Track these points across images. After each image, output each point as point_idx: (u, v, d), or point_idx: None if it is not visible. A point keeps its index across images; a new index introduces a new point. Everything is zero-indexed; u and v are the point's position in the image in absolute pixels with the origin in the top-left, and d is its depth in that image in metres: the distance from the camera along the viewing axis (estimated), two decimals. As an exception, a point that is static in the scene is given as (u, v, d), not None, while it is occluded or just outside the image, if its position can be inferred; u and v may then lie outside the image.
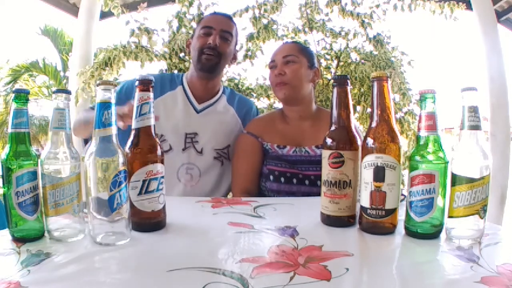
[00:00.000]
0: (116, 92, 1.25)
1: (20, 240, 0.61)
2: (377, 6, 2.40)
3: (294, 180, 1.13)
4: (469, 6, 2.82)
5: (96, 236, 0.61)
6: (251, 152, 1.20)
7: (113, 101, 0.62)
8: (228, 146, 1.28)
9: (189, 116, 1.26)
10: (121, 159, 0.62)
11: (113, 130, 0.62)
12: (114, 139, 0.62)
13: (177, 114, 1.25)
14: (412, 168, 0.65)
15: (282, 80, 1.18)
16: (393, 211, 0.67)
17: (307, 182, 1.13)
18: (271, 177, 1.14)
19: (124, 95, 1.21)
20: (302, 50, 1.24)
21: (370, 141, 0.68)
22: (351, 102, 0.76)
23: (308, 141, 1.18)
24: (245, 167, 1.20)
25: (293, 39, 2.40)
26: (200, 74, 1.26)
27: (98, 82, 0.62)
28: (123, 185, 0.62)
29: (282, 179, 1.13)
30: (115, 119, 0.63)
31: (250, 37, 2.34)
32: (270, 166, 1.16)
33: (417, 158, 0.64)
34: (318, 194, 0.76)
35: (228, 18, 1.31)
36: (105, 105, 0.61)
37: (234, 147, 1.26)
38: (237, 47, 1.37)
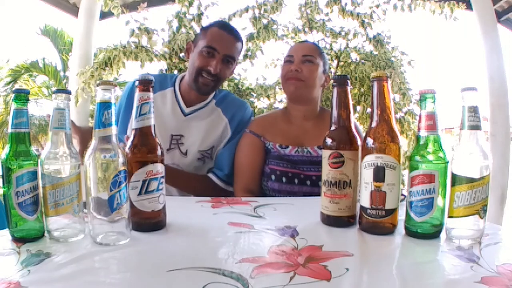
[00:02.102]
0: (128, 92, 1.25)
1: (20, 240, 0.61)
2: (377, 6, 2.40)
3: (296, 180, 1.13)
4: (469, 6, 2.82)
5: (96, 236, 0.61)
6: (253, 151, 1.20)
7: (113, 101, 0.62)
8: (212, 147, 1.28)
9: (176, 119, 1.25)
10: (121, 159, 0.62)
11: (113, 130, 0.62)
12: (114, 139, 0.62)
13: (165, 115, 1.25)
14: (412, 168, 0.65)
15: (298, 77, 1.18)
16: (393, 211, 0.67)
17: (308, 182, 1.13)
18: (273, 177, 1.15)
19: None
20: (321, 53, 1.24)
21: (370, 141, 0.68)
22: (351, 102, 0.76)
23: (311, 141, 1.19)
24: (247, 166, 1.20)
25: (293, 39, 2.40)
26: (196, 93, 1.25)
27: (98, 82, 0.62)
28: (123, 185, 0.62)
29: (284, 179, 1.13)
30: (115, 119, 0.63)
31: (250, 37, 2.34)
32: (272, 165, 1.16)
33: (417, 158, 0.64)
34: (319, 195, 0.76)
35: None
36: (105, 105, 0.61)
37: (236, 146, 1.25)
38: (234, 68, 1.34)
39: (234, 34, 1.25)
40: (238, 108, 1.33)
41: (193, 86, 1.23)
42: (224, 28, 1.26)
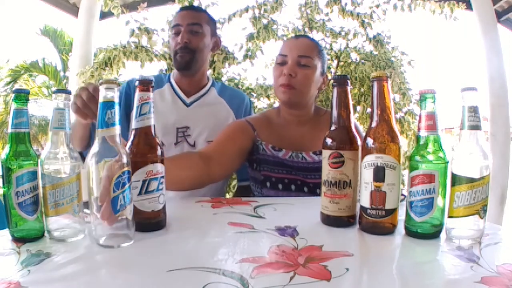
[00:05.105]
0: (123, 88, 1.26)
1: (20, 240, 0.61)
2: (377, 6, 2.40)
3: (293, 187, 1.07)
4: (469, 6, 2.82)
5: (99, 238, 0.60)
6: (240, 135, 1.08)
7: (116, 100, 0.61)
8: None
9: (179, 110, 1.25)
10: (124, 160, 0.61)
11: (117, 130, 0.61)
12: (118, 139, 0.61)
13: (166, 109, 1.25)
14: (412, 168, 0.65)
15: (290, 83, 1.04)
16: (393, 211, 0.67)
17: (306, 189, 1.07)
18: (268, 184, 1.07)
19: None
20: (320, 52, 1.09)
21: (370, 141, 0.68)
22: (351, 102, 0.76)
23: (306, 147, 1.09)
24: (223, 143, 1.06)
25: (293, 39, 2.39)
26: (181, 72, 1.27)
27: (101, 81, 0.61)
28: (126, 186, 0.60)
29: (280, 186, 1.06)
30: (118, 119, 0.61)
31: (250, 37, 2.34)
32: (266, 172, 1.07)
33: (417, 158, 0.64)
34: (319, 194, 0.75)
35: (194, 10, 1.30)
36: (108, 105, 0.60)
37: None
38: (220, 41, 1.36)
39: (193, 8, 1.33)
40: (241, 100, 1.39)
41: (175, 66, 1.26)
42: (183, 8, 1.34)
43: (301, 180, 1.07)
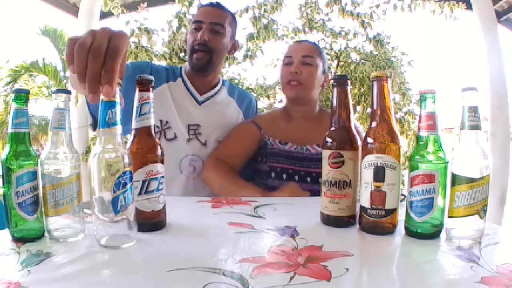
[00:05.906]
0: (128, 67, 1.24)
1: (20, 240, 0.61)
2: (377, 6, 2.41)
3: (296, 177, 1.14)
4: (469, 6, 2.82)
5: (100, 238, 0.60)
6: (246, 138, 1.19)
7: (117, 99, 0.60)
8: None
9: (191, 108, 1.24)
10: (126, 160, 0.60)
11: (118, 130, 0.61)
12: (119, 139, 0.61)
13: (180, 105, 1.24)
14: (412, 168, 0.65)
15: (297, 79, 1.17)
16: (393, 211, 0.67)
17: (308, 179, 1.13)
18: (273, 174, 1.14)
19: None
20: (320, 53, 1.23)
21: (370, 141, 0.68)
22: (351, 102, 0.76)
23: (311, 140, 1.19)
24: (232, 146, 1.18)
25: (293, 39, 2.40)
26: (194, 72, 1.25)
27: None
28: (127, 186, 0.60)
29: (284, 176, 1.13)
30: (120, 118, 0.61)
31: (250, 37, 2.34)
32: (271, 163, 1.15)
33: (417, 158, 0.64)
34: (319, 192, 0.76)
35: (219, 8, 1.25)
36: (109, 104, 0.59)
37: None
38: (237, 44, 1.35)
39: (218, 6, 1.26)
40: (249, 100, 1.41)
41: (191, 65, 1.23)
42: (208, 4, 1.29)
43: (304, 171, 1.14)
